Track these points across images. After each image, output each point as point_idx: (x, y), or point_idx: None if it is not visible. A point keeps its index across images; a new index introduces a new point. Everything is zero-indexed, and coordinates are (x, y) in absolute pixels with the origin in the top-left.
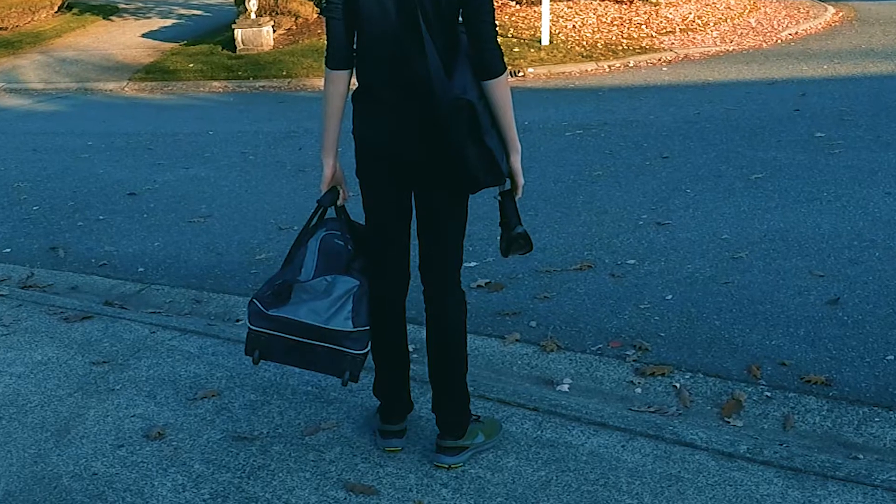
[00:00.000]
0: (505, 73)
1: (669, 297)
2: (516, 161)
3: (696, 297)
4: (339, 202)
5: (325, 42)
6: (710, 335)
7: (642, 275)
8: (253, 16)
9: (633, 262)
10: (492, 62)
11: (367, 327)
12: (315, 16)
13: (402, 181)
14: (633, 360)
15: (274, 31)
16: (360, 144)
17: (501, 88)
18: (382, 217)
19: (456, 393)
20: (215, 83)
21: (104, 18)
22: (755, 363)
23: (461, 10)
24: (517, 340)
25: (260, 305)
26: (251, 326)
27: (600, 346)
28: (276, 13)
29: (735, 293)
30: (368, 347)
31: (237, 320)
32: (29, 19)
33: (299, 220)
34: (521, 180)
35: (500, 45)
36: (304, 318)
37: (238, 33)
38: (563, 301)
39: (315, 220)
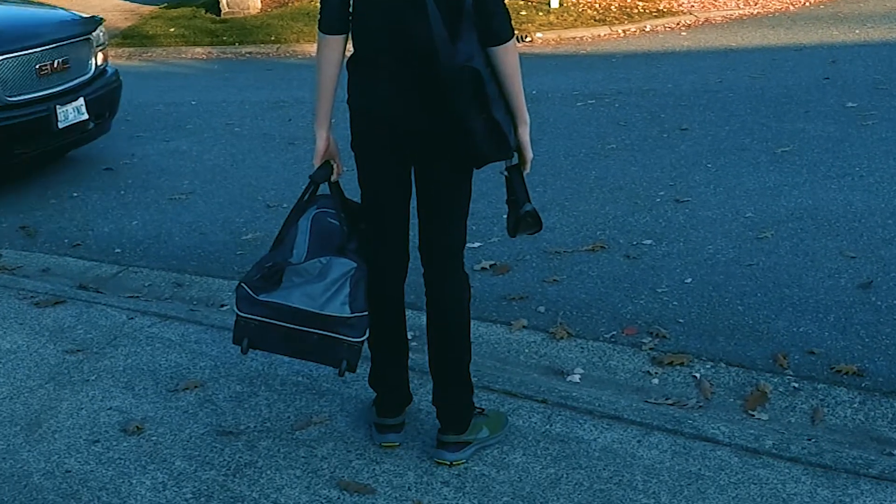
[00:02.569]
0: (513, 39)
1: (689, 280)
2: (524, 133)
3: (717, 281)
4: (332, 177)
5: (319, 4)
6: (733, 322)
7: (660, 256)
8: None
9: (649, 242)
10: (500, 27)
11: (366, 313)
12: None
13: (401, 153)
14: (650, 349)
15: None
16: (356, 114)
17: (510, 55)
18: (380, 193)
19: (458, 384)
20: (198, 49)
21: None
22: (782, 352)
23: None
24: (524, 327)
25: (249, 290)
26: (239, 313)
27: (614, 333)
28: None
29: (760, 276)
30: (366, 335)
31: (222, 305)
32: None
33: (289, 197)
34: (529, 154)
35: (507, 9)
36: (297, 304)
37: None
38: (574, 285)
39: (307, 196)
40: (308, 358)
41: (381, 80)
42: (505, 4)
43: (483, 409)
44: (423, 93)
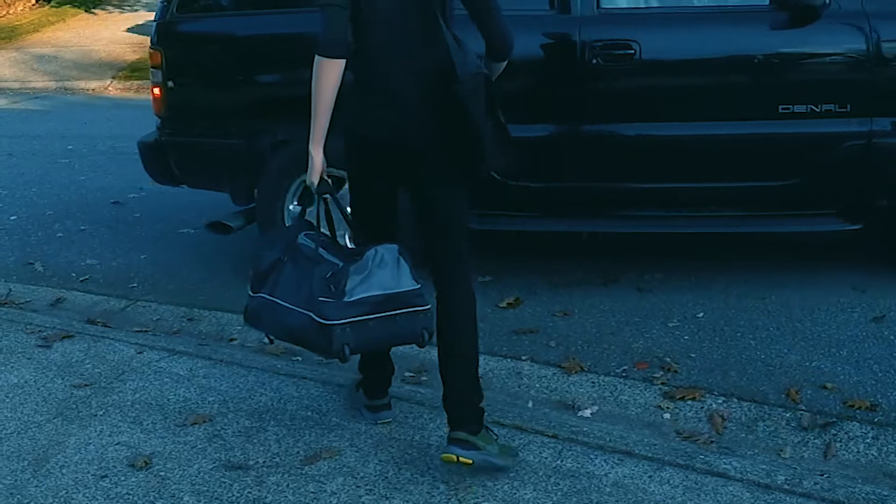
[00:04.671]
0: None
1: (701, 314)
2: None
3: (729, 315)
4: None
5: (321, 30)
6: (745, 356)
7: (671, 289)
8: None
9: (660, 275)
10: (504, 46)
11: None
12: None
13: (400, 174)
14: (662, 383)
15: None
16: (356, 141)
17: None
18: (371, 213)
19: (469, 384)
20: None
21: (86, 12)
22: (794, 386)
23: None
24: (535, 361)
25: (330, 300)
26: (334, 323)
27: (625, 367)
28: None
29: (772, 310)
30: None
31: (231, 339)
32: (4, 13)
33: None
34: None
35: (505, 20)
36: (379, 291)
37: None
38: (585, 318)
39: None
40: (397, 341)
41: (383, 107)
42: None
43: (495, 434)
44: (437, 110)
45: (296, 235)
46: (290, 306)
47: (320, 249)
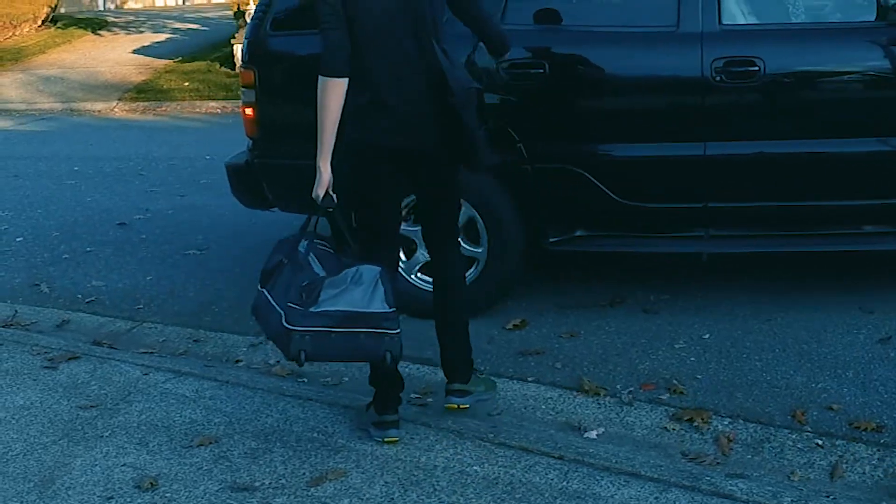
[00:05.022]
0: (509, 43)
1: (707, 335)
2: None
3: (735, 336)
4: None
5: (322, 52)
6: (752, 377)
7: (678, 311)
8: None
9: (667, 297)
10: (500, 45)
11: (395, 308)
12: None
13: (401, 175)
14: (668, 405)
15: None
16: (362, 149)
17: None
18: (382, 214)
19: (462, 342)
20: (213, 103)
21: (92, 33)
22: (800, 408)
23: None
24: (541, 383)
25: (297, 306)
26: (293, 328)
27: (632, 388)
28: None
29: (778, 331)
30: (399, 328)
31: (237, 361)
32: (10, 34)
33: None
34: None
35: (497, 23)
36: (345, 307)
37: (237, 49)
38: (591, 339)
39: (313, 223)
40: (357, 358)
41: (385, 116)
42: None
43: (482, 372)
44: (434, 117)
45: (298, 241)
46: (274, 305)
47: (310, 257)
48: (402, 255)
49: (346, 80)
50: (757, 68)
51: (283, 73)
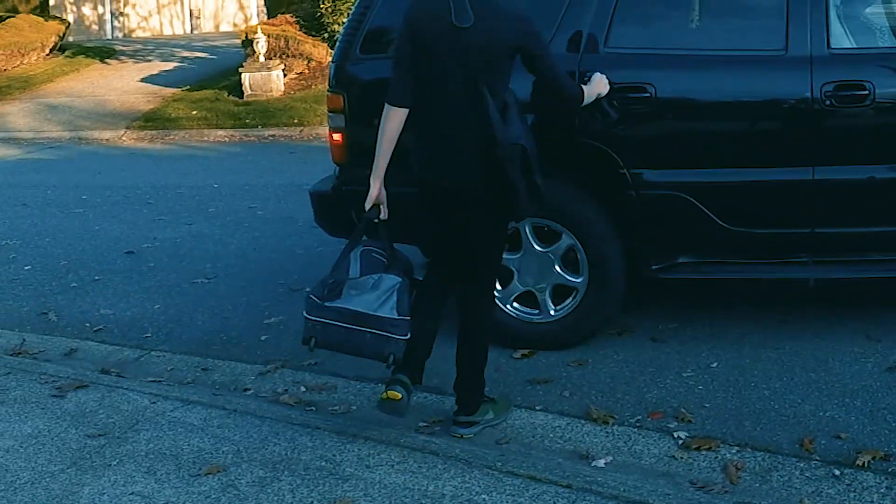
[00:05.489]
0: (583, 95)
1: (715, 364)
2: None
3: (743, 365)
4: (381, 216)
5: (390, 83)
6: (759, 406)
7: (686, 340)
8: (262, 59)
9: (675, 325)
10: (572, 97)
11: (409, 318)
12: (329, 59)
13: (451, 212)
14: (676, 433)
15: (284, 76)
16: (420, 183)
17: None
18: (435, 241)
19: (470, 378)
20: (220, 132)
21: (100, 62)
22: (808, 436)
23: (520, 60)
24: (549, 411)
25: (316, 299)
26: (308, 316)
27: (640, 417)
28: (287, 56)
29: (786, 360)
30: (409, 335)
31: (245, 390)
32: (18, 62)
33: (313, 281)
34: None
35: (569, 79)
36: (356, 307)
37: (245, 78)
38: (599, 368)
39: (360, 230)
40: (362, 354)
41: (429, 153)
42: (564, 75)
43: (493, 398)
44: (482, 164)
45: (355, 245)
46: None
47: (354, 259)
48: (497, 285)
49: (405, 110)
50: (866, 92)
51: (373, 98)
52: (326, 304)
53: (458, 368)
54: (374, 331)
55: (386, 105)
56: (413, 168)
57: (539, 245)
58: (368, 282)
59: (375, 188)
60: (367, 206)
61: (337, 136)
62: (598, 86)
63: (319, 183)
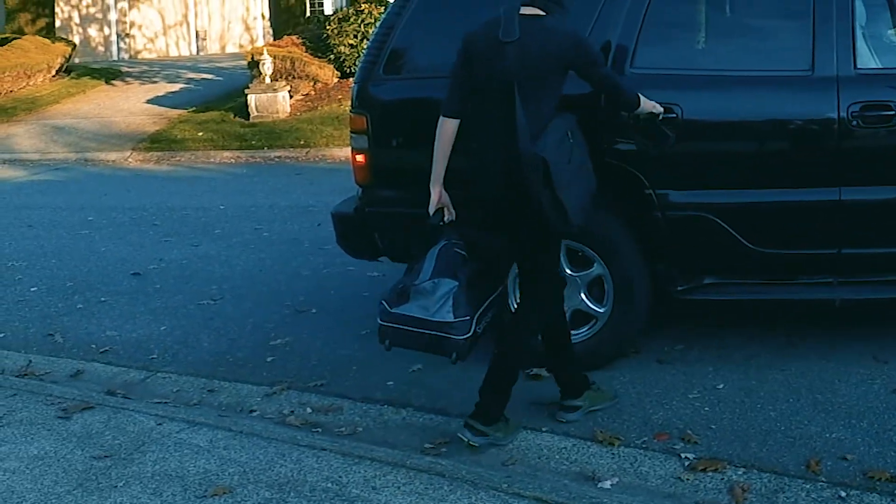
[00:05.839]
0: (639, 100)
1: (721, 385)
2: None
3: (750, 386)
4: (445, 219)
5: (445, 95)
6: (766, 427)
7: (692, 361)
8: (268, 80)
9: (681, 347)
10: (627, 103)
11: (467, 318)
12: (335, 80)
13: (497, 222)
14: (682, 455)
15: (291, 97)
16: (471, 194)
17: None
18: (487, 246)
19: (491, 385)
20: (226, 153)
21: (106, 83)
22: (814, 457)
23: (575, 74)
24: (555, 433)
25: (386, 305)
26: (380, 322)
27: (646, 438)
28: (293, 77)
29: (792, 381)
30: (470, 332)
31: (251, 411)
32: (24, 84)
33: (318, 302)
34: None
35: (624, 85)
36: (414, 313)
37: (251, 99)
38: (606, 390)
39: (432, 234)
40: (428, 352)
41: (484, 168)
42: (618, 81)
43: (507, 419)
44: (514, 177)
45: (435, 243)
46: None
47: (426, 257)
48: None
49: (456, 120)
50: (894, 112)
51: (397, 119)
52: (393, 309)
53: (487, 371)
54: (433, 332)
55: (441, 117)
56: (468, 181)
57: (569, 268)
58: (428, 287)
59: (436, 194)
60: (431, 210)
61: (360, 158)
62: (651, 104)
63: (342, 204)
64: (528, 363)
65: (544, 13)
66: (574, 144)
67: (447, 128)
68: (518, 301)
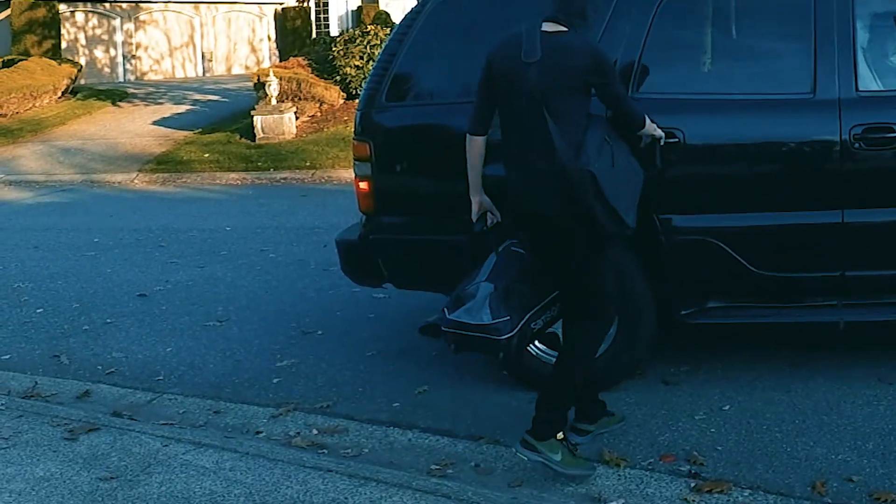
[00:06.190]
0: (645, 121)
1: (727, 407)
2: (650, 126)
3: (756, 408)
4: (488, 223)
5: (472, 111)
6: (771, 448)
7: (698, 383)
8: (274, 101)
9: (687, 368)
10: (633, 124)
11: (506, 318)
12: (341, 102)
13: (540, 236)
14: (688, 476)
15: (296, 118)
16: (512, 208)
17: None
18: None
19: (544, 398)
20: (232, 175)
21: (112, 104)
22: (820, 479)
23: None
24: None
25: (446, 311)
26: (443, 328)
27: (652, 460)
28: (299, 99)
29: (798, 403)
30: (512, 332)
31: (257, 432)
32: (30, 105)
33: (324, 324)
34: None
35: (633, 105)
36: (462, 318)
37: (257, 120)
38: (616, 413)
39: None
40: (482, 352)
41: (520, 183)
42: (630, 104)
43: (573, 445)
44: (554, 191)
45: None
46: None
47: (485, 262)
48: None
49: (482, 137)
50: (895, 134)
51: (401, 146)
52: (449, 315)
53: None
54: (478, 335)
55: (466, 134)
56: (508, 197)
57: None
58: (471, 290)
59: (476, 203)
60: (474, 218)
61: (363, 185)
62: (653, 127)
63: (346, 231)
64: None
65: (566, 29)
66: (614, 147)
67: (474, 144)
68: (563, 323)
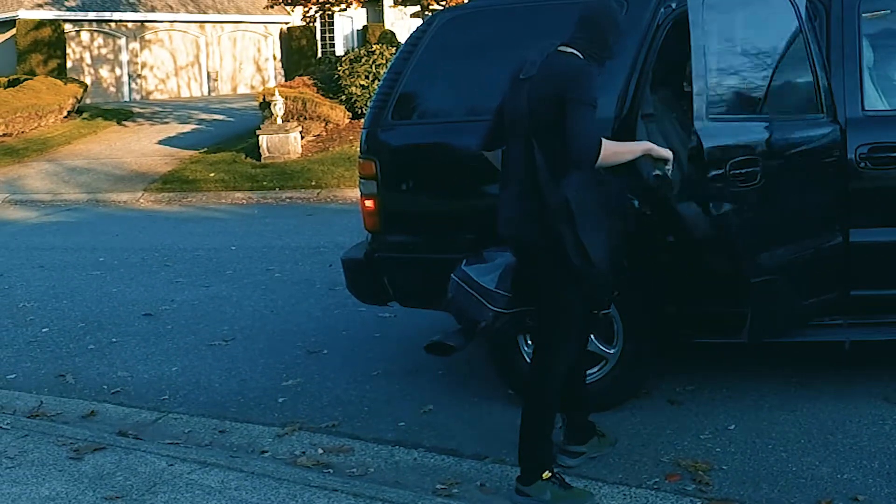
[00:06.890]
0: (597, 153)
1: (732, 426)
2: (649, 148)
3: (761, 427)
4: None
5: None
6: (777, 468)
7: (703, 402)
8: (279, 121)
9: (692, 388)
10: (577, 155)
11: (508, 295)
12: (347, 121)
13: (525, 263)
14: (693, 496)
15: (302, 138)
16: (500, 236)
17: (601, 159)
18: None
19: (522, 439)
20: (238, 194)
21: (117, 124)
22: (825, 498)
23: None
24: (566, 474)
25: (463, 262)
26: (452, 275)
27: (657, 479)
28: (305, 118)
29: (804, 422)
30: (505, 310)
31: (263, 452)
32: (36, 124)
33: (330, 343)
34: (664, 153)
35: (589, 140)
36: (472, 274)
37: (263, 140)
38: (617, 430)
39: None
40: (464, 314)
41: (509, 209)
42: (585, 138)
43: (563, 484)
44: (535, 217)
45: None
46: None
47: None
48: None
49: (490, 153)
50: None
51: (407, 164)
52: (463, 266)
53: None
54: (476, 295)
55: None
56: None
57: None
58: (495, 255)
59: (643, 149)
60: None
61: (369, 203)
62: (635, 145)
63: (352, 249)
64: (557, 409)
65: (577, 53)
66: (605, 189)
67: (490, 158)
68: (533, 345)
